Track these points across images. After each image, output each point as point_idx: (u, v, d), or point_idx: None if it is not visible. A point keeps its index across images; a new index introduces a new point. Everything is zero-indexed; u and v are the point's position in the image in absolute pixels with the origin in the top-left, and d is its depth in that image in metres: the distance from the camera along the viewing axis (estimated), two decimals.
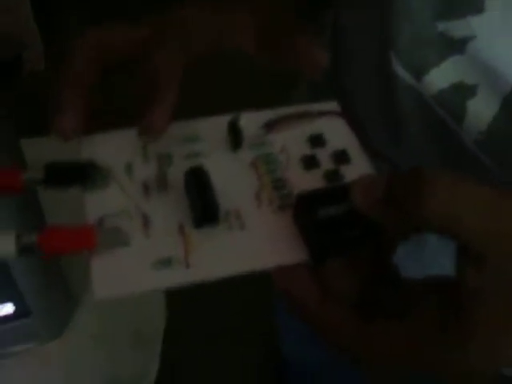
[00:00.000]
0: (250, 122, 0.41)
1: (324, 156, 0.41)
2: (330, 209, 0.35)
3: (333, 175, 0.40)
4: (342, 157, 0.41)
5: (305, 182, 0.39)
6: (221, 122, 0.41)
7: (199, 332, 1.43)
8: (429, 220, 0.30)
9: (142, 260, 0.36)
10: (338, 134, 0.42)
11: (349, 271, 0.36)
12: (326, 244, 0.35)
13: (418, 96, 0.51)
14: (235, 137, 0.40)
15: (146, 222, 0.37)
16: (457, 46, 0.47)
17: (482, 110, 0.47)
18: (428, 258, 0.58)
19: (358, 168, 0.40)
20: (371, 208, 0.33)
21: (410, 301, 0.33)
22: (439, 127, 0.51)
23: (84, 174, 0.38)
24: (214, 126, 0.41)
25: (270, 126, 0.42)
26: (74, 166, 0.38)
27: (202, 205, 0.36)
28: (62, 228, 0.36)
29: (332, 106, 0.43)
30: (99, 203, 0.38)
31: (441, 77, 0.49)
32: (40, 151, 0.53)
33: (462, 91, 0.48)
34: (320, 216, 0.35)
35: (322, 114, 0.43)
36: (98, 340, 0.68)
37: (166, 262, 0.35)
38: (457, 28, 0.46)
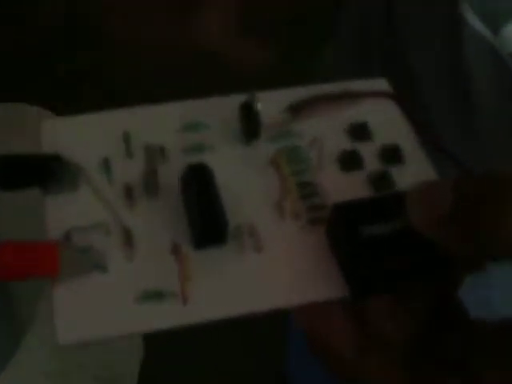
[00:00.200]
0: (270, 103, 0.37)
1: (369, 153, 0.37)
2: (377, 226, 0.32)
3: (381, 179, 0.36)
4: (393, 154, 0.37)
5: (343, 187, 0.35)
6: (231, 103, 0.37)
7: (180, 376, 1.39)
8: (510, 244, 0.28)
9: (123, 292, 0.32)
10: (389, 123, 0.38)
11: (398, 310, 0.33)
12: (370, 275, 0.32)
13: (493, 52, 0.48)
14: (250, 124, 0.36)
15: (128, 238, 0.33)
16: None
17: None
18: (495, 294, 0.55)
19: (415, 170, 0.37)
20: (433, 227, 0.30)
21: (482, 350, 0.32)
22: None
23: (46, 172, 0.34)
24: (221, 109, 0.38)
25: (296, 109, 0.37)
26: (33, 160, 0.35)
27: (205, 217, 0.33)
28: (12, 244, 0.32)
29: (380, 83, 0.39)
30: (66, 212, 0.34)
31: None
32: None
33: None
34: (363, 236, 0.32)
35: (366, 94, 0.38)
36: (52, 380, 0.65)
37: (155, 296, 0.32)
38: None
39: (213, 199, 0.33)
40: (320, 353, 0.33)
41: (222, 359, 1.35)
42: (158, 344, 0.78)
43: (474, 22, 0.48)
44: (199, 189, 0.33)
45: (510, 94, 0.50)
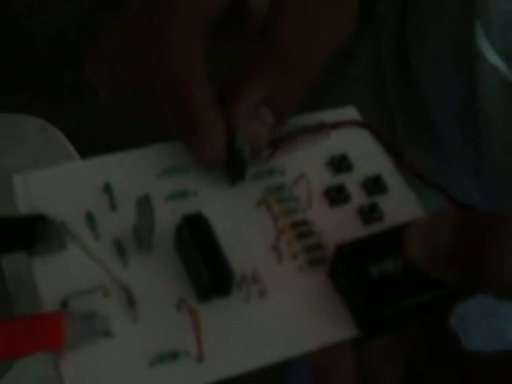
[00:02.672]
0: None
1: (353, 184, 0.36)
2: (383, 264, 0.30)
3: (370, 212, 0.35)
4: (376, 184, 0.36)
5: (335, 223, 0.34)
6: None
7: None
8: (505, 285, 0.26)
9: (134, 356, 0.29)
10: (366, 151, 0.37)
11: (394, 350, 0.32)
12: (385, 314, 0.30)
13: (508, 88, 0.46)
14: (235, 165, 0.34)
15: (129, 298, 0.31)
16: None
17: None
18: (503, 327, 0.55)
19: (399, 198, 0.36)
20: (434, 264, 0.28)
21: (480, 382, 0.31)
22: None
23: (30, 233, 0.31)
24: None
25: (274, 145, 0.35)
26: (15, 224, 0.31)
27: (212, 268, 0.30)
28: (9, 322, 0.29)
29: (349, 112, 0.38)
30: (57, 275, 0.31)
31: None
32: None
33: None
34: (372, 275, 0.30)
35: (340, 125, 0.37)
36: None
37: (169, 357, 0.30)
38: None
39: (215, 249, 0.31)
40: None
41: None
42: None
43: (491, 55, 0.46)
44: (199, 239, 0.31)
45: None
